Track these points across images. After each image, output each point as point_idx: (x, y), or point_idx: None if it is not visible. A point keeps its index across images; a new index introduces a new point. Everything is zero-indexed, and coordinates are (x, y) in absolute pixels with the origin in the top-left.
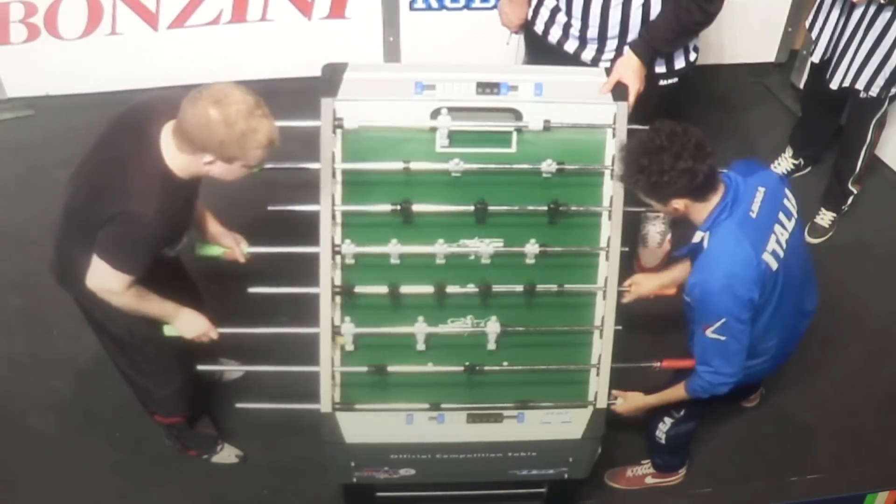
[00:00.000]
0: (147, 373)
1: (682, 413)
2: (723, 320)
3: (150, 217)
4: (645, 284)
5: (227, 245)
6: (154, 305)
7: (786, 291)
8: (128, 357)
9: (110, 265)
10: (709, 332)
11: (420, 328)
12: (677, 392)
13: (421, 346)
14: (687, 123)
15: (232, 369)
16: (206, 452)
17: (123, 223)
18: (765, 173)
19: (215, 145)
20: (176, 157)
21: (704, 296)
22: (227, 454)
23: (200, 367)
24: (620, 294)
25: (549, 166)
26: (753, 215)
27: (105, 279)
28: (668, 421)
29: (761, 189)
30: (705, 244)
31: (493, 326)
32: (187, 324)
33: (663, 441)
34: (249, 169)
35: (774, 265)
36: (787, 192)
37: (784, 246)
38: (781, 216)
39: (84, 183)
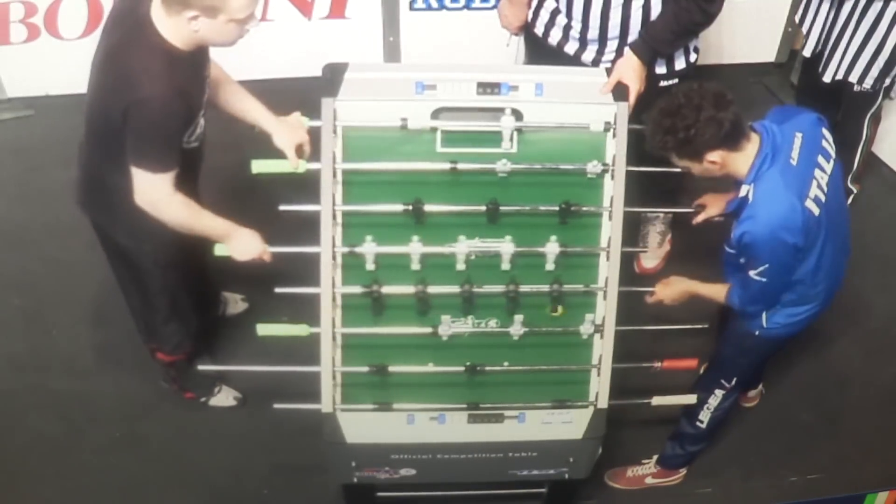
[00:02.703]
0: (158, 306)
1: (733, 382)
2: (766, 265)
3: (162, 97)
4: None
5: (282, 146)
6: (207, 219)
7: (830, 234)
8: (142, 289)
9: (147, 169)
10: (752, 273)
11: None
12: (718, 292)
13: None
14: (702, 79)
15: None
16: (203, 394)
17: (138, 116)
18: (800, 118)
19: None
20: (167, 25)
21: (752, 243)
22: (224, 396)
23: (201, 367)
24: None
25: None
26: (794, 163)
27: (149, 188)
28: (718, 393)
29: (798, 135)
30: (750, 196)
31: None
32: (243, 244)
33: (705, 424)
34: (240, 26)
35: (817, 210)
36: (825, 131)
37: (825, 189)
38: (820, 159)
39: (92, 87)
